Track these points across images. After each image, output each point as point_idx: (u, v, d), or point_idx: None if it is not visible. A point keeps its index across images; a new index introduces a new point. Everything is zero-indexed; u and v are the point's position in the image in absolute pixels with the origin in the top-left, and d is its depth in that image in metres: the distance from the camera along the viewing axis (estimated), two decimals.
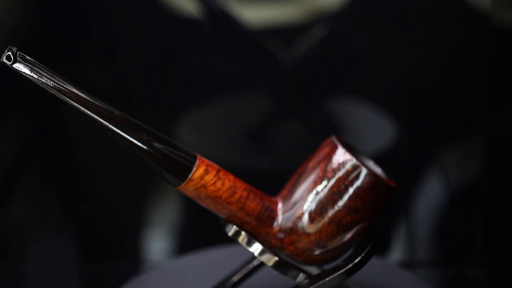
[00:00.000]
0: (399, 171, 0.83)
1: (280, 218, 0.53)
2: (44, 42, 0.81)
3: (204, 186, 0.51)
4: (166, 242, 0.87)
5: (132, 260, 0.85)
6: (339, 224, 0.52)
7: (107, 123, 0.49)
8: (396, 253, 0.85)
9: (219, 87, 0.83)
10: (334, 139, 0.54)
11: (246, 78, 0.82)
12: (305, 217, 0.53)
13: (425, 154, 0.83)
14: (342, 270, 0.52)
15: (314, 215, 0.53)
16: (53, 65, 0.80)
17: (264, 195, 0.54)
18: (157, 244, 0.87)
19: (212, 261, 0.65)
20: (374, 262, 0.64)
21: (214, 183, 0.51)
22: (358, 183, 0.52)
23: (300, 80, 0.81)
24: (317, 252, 0.53)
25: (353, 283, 0.59)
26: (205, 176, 0.51)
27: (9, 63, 0.46)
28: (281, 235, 0.53)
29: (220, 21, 0.79)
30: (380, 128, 0.81)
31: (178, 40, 0.80)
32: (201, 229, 0.85)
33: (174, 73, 0.81)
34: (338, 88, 0.82)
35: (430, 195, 0.84)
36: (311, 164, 0.54)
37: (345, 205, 0.52)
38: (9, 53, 0.46)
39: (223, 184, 0.52)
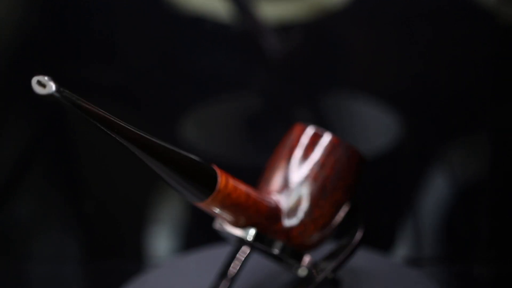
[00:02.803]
0: (404, 169, 0.84)
1: (284, 212, 0.53)
2: (47, 41, 0.81)
3: (229, 194, 0.50)
4: (170, 239, 0.87)
5: (137, 257, 0.86)
6: (338, 205, 0.54)
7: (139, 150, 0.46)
8: (402, 250, 0.85)
9: (222, 84, 0.83)
10: (310, 126, 0.55)
11: (249, 76, 0.82)
12: (311, 206, 0.53)
13: (430, 152, 0.83)
14: (351, 246, 0.54)
15: (318, 202, 0.53)
16: (57, 64, 0.81)
17: (262, 192, 0.54)
18: (161, 241, 0.87)
19: (217, 258, 0.65)
20: (379, 259, 0.64)
21: (235, 189, 0.51)
22: (350, 162, 0.54)
23: (303, 78, 0.81)
24: (320, 236, 0.54)
25: (357, 279, 0.60)
26: (228, 184, 0.50)
27: (58, 94, 0.41)
28: (288, 228, 0.53)
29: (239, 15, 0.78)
30: (384, 126, 0.81)
31: (180, 38, 0.80)
32: (205, 226, 0.85)
33: (177, 71, 0.82)
34: (342, 86, 0.82)
35: (436, 192, 0.84)
36: (297, 155, 0.55)
37: (342, 186, 0.54)
38: (52, 82, 0.41)
39: (240, 190, 0.51)
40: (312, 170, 0.54)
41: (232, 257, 0.56)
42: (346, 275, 0.58)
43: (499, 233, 0.83)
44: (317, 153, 0.54)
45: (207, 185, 0.49)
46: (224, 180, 0.50)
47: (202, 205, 0.50)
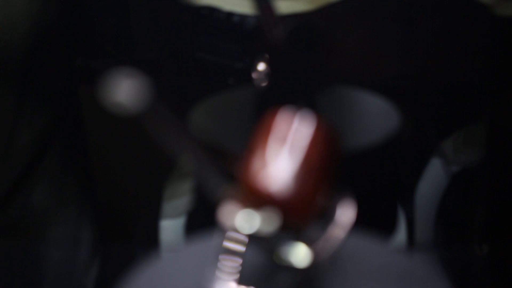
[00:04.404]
0: (401, 158, 0.84)
1: (280, 195, 0.53)
2: (62, 33, 0.82)
3: (247, 185, 0.52)
4: (182, 226, 0.88)
5: (149, 242, 0.86)
6: (326, 184, 0.55)
7: None
8: (399, 236, 0.85)
9: (230, 75, 0.83)
10: (290, 108, 0.56)
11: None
12: (304, 187, 0.53)
13: (426, 142, 0.84)
14: (339, 227, 0.56)
15: (309, 182, 0.54)
16: (71, 58, 0.82)
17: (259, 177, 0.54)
18: (173, 228, 0.88)
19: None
20: (377, 245, 0.65)
21: (252, 179, 0.52)
22: (332, 141, 0.56)
23: (304, 70, 0.81)
24: (311, 218, 0.54)
25: (354, 264, 0.61)
26: (247, 176, 0.52)
27: None
28: (285, 211, 0.53)
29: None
30: (382, 116, 0.82)
31: (191, 28, 0.81)
32: (214, 212, 0.86)
33: (188, 61, 0.82)
34: (342, 78, 0.83)
35: (432, 181, 0.85)
36: (285, 143, 0.55)
37: (328, 164, 0.55)
38: None
39: (254, 179, 0.52)
40: (300, 151, 0.54)
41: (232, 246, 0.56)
42: (343, 261, 0.60)
43: (494, 220, 0.84)
44: (302, 134, 0.54)
45: (230, 178, 0.50)
46: (245, 173, 0.51)
47: (226, 198, 0.51)
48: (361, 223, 0.83)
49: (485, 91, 0.81)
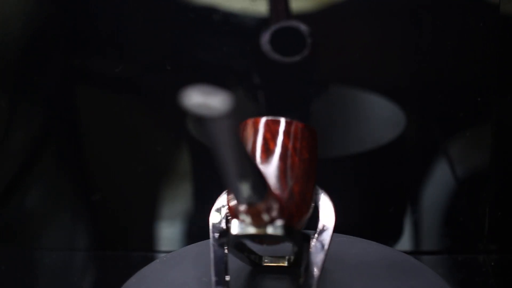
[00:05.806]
0: (406, 160, 0.84)
1: (284, 201, 0.53)
2: (57, 32, 0.81)
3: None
4: (179, 232, 0.88)
5: (145, 248, 0.86)
6: (314, 184, 0.56)
7: None
8: (403, 243, 0.85)
9: (229, 77, 0.83)
10: (266, 117, 0.56)
11: (255, 69, 0.82)
12: (303, 189, 0.54)
13: (432, 143, 0.83)
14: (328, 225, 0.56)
15: (306, 184, 0.54)
16: (65, 56, 0.82)
17: None
18: (170, 234, 0.87)
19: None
20: (380, 250, 0.64)
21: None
22: (314, 141, 0.56)
23: (307, 71, 0.81)
24: (307, 218, 0.55)
25: (358, 270, 0.60)
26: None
27: None
28: (292, 214, 0.53)
29: None
30: (387, 117, 0.82)
31: (188, 29, 0.80)
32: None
33: (184, 63, 0.82)
34: (345, 80, 0.82)
35: (437, 184, 0.84)
36: (272, 146, 0.55)
37: (315, 165, 0.56)
38: None
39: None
40: (290, 158, 0.54)
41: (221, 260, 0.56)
42: (346, 267, 0.59)
43: (501, 224, 0.83)
44: (289, 139, 0.55)
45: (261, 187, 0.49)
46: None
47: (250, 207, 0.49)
48: (366, 226, 0.82)
49: (491, 91, 0.80)
